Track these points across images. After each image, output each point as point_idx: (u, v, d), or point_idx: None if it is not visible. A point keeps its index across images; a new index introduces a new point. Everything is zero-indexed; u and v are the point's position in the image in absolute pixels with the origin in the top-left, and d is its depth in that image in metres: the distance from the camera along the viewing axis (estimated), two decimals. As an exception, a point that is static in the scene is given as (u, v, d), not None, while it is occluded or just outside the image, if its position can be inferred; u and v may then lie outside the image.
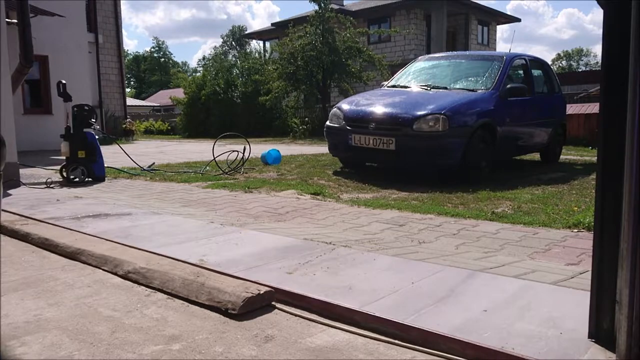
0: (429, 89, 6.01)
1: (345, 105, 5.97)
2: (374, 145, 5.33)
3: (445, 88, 5.99)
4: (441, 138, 5.01)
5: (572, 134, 11.35)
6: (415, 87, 6.24)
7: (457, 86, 6.04)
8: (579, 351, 1.43)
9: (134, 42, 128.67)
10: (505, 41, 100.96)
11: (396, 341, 1.59)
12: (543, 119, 6.76)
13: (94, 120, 5.54)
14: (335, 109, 6.05)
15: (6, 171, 4.60)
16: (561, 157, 8.04)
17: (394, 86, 6.56)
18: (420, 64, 7.01)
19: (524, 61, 6.71)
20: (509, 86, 5.77)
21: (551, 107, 7.12)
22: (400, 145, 5.13)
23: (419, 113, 5.12)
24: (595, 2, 1.45)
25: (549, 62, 8.26)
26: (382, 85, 7.04)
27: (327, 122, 6.10)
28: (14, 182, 5.04)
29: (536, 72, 7.13)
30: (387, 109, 5.48)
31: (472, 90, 5.77)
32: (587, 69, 56.78)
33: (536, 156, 7.67)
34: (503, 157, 6.44)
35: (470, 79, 6.21)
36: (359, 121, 5.56)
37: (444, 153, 5.08)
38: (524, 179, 5.36)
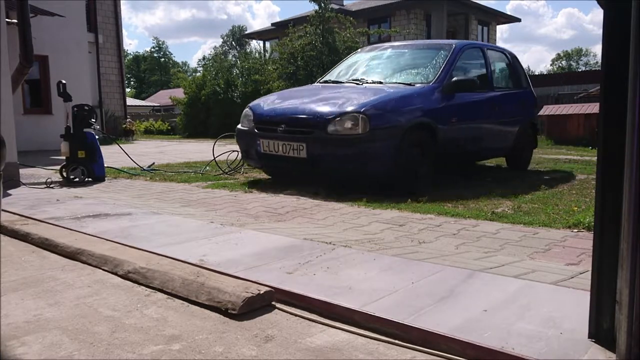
0: (361, 83, 5.15)
1: (257, 104, 5.07)
2: (283, 152, 4.44)
3: (380, 82, 5.10)
4: (361, 142, 4.15)
5: (572, 134, 11.39)
6: (346, 82, 5.34)
7: (395, 80, 5.13)
8: (579, 351, 1.43)
9: (134, 42, 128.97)
10: (505, 41, 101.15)
11: (396, 341, 1.59)
12: (505, 118, 5.80)
13: (94, 120, 5.54)
14: (246, 109, 5.17)
15: (6, 171, 4.61)
16: (561, 157, 7.97)
17: (326, 81, 5.69)
18: (359, 56, 6.09)
19: (479, 51, 5.75)
20: (454, 79, 4.88)
21: (516, 104, 6.12)
22: (312, 151, 4.27)
23: (335, 112, 4.27)
24: (595, 2, 1.45)
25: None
26: (318, 81, 6.11)
27: (238, 125, 5.20)
28: (14, 182, 5.04)
29: (499, 65, 6.31)
30: (300, 108, 4.60)
31: (410, 85, 4.90)
32: (587, 69, 56.82)
33: (537, 156, 7.66)
34: (450, 163, 5.36)
35: (411, 71, 5.30)
36: (268, 123, 4.68)
37: (365, 160, 4.21)
38: (524, 179, 5.36)
